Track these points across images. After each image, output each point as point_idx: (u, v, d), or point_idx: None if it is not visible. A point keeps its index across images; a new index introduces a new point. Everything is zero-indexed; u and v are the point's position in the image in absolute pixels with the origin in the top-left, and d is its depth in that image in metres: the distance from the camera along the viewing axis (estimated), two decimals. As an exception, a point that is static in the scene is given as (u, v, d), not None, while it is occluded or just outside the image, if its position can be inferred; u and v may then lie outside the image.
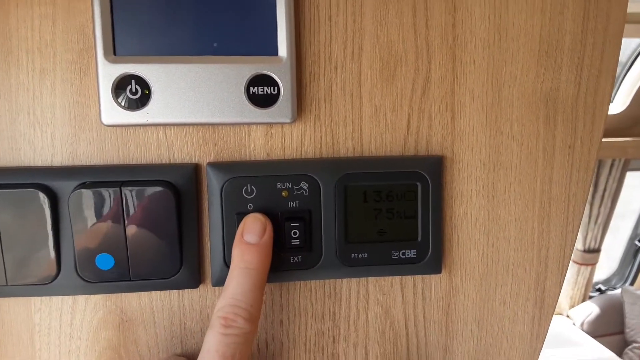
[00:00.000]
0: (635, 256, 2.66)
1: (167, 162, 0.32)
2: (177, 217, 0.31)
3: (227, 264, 0.32)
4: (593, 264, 2.47)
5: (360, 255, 0.33)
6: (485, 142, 0.34)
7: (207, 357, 0.26)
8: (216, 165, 0.32)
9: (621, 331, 2.42)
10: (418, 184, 0.33)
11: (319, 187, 0.33)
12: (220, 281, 0.33)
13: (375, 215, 0.33)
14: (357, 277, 0.34)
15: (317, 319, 0.35)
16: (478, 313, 0.36)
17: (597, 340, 2.26)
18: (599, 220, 2.37)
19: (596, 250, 2.45)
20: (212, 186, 0.32)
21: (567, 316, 2.53)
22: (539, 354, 0.37)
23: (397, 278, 0.35)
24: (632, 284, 2.67)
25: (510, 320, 0.36)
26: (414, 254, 0.34)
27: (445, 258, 0.35)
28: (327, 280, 0.34)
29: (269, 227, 0.31)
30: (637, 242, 2.62)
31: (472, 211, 0.35)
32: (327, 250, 0.33)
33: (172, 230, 0.31)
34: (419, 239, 0.34)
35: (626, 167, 2.30)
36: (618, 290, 2.59)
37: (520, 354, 0.37)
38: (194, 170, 0.32)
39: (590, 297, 2.58)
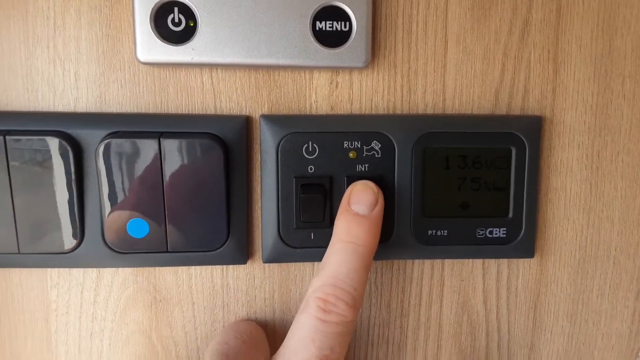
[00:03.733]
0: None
1: (213, 112, 0.27)
2: (225, 178, 0.26)
3: (281, 237, 0.27)
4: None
5: (439, 232, 0.28)
6: (592, 100, 0.28)
7: (300, 345, 0.21)
8: (272, 118, 0.26)
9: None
10: (512, 148, 0.28)
11: (394, 148, 0.27)
12: (272, 258, 0.27)
13: (459, 185, 0.28)
14: (434, 258, 0.28)
15: (382, 307, 0.29)
16: (571, 306, 0.30)
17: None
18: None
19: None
20: (267, 143, 0.26)
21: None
22: (637, 356, 0.32)
23: (479, 262, 0.29)
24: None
25: (608, 315, 0.31)
26: (504, 233, 0.28)
27: (537, 239, 0.29)
28: (395, 261, 0.29)
29: (381, 199, 0.25)
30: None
31: (571, 184, 0.29)
32: (399, 225, 0.28)
33: (219, 194, 0.26)
34: (510, 215, 0.28)
35: None
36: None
37: (616, 354, 0.31)
38: (245, 123, 0.26)
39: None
